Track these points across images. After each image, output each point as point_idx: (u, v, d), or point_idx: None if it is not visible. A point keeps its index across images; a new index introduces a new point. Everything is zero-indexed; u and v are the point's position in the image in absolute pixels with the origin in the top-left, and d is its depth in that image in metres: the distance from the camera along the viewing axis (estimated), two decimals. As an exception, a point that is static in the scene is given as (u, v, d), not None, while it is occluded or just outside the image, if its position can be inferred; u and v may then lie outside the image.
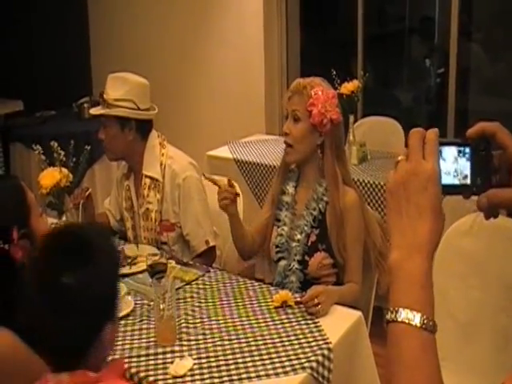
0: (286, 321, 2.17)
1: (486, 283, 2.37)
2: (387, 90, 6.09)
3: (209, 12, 5.35)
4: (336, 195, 2.41)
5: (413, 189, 0.88)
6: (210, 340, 2.07)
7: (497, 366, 2.30)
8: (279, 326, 2.14)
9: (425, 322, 0.83)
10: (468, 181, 0.95)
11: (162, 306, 2.05)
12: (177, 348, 2.03)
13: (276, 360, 1.94)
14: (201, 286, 2.46)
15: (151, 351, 2.02)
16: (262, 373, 1.89)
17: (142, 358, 1.98)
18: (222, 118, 5.42)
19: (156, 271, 2.32)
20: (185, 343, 2.06)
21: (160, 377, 1.89)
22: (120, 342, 2.06)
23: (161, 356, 1.99)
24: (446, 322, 2.30)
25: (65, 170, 2.70)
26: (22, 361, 1.50)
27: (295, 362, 1.93)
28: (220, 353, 2.00)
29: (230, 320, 2.20)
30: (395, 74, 6.27)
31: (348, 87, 4.00)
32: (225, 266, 3.00)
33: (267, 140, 4.74)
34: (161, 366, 1.94)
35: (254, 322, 2.18)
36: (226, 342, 2.05)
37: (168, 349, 2.03)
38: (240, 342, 2.05)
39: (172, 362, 1.94)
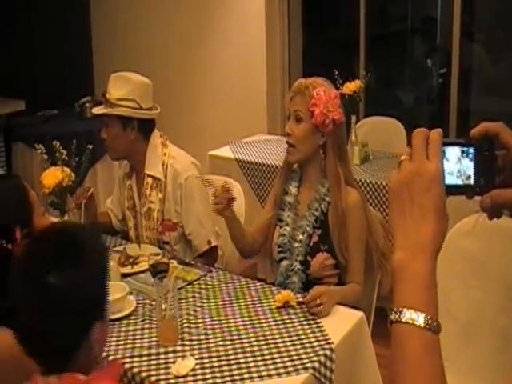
0: (287, 321, 2.17)
1: (487, 284, 2.37)
2: (389, 90, 6.09)
3: (211, 12, 5.35)
4: (338, 195, 2.41)
5: (416, 189, 0.88)
6: (211, 340, 2.07)
7: (497, 367, 2.30)
8: (281, 326, 2.14)
9: (429, 322, 0.83)
10: (471, 181, 0.94)
11: (163, 306, 2.05)
12: (179, 348, 2.03)
13: (278, 360, 1.94)
14: (203, 286, 2.46)
15: (153, 351, 2.02)
16: (264, 373, 1.88)
17: (144, 358, 1.98)
18: (224, 117, 5.42)
19: (158, 271, 2.33)
20: (187, 343, 2.06)
21: (162, 377, 1.89)
22: (122, 342, 2.07)
23: (163, 356, 1.99)
24: (447, 323, 2.29)
25: (67, 170, 2.70)
26: (21, 360, 1.49)
27: (297, 362, 1.93)
28: (222, 353, 2.00)
29: (231, 320, 2.20)
30: (397, 74, 6.27)
31: (350, 87, 4.00)
32: (227, 266, 3.00)
33: (269, 140, 4.74)
34: (163, 366, 1.94)
35: (255, 322, 2.17)
36: (228, 342, 2.05)
37: (170, 349, 2.02)
38: (242, 342, 2.05)
39: (174, 362, 1.94)
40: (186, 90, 5.62)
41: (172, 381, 1.87)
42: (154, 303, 2.25)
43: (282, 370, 1.89)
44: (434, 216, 0.88)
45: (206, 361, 1.96)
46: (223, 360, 1.96)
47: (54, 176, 2.68)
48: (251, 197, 4.08)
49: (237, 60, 5.29)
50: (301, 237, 2.46)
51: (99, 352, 1.41)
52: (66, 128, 4.89)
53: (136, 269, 2.59)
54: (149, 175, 2.84)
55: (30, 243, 1.44)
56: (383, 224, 2.62)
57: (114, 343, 2.06)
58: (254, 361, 1.94)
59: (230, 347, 2.03)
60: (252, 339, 2.07)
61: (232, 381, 1.86)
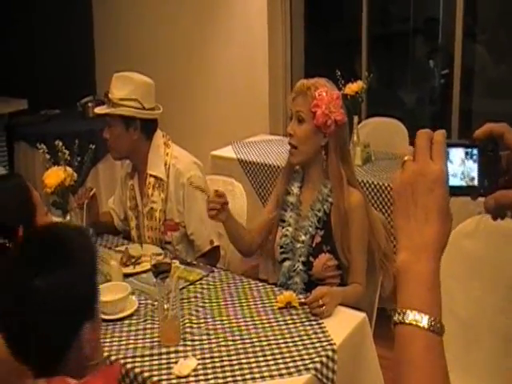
0: (290, 322, 2.17)
1: (489, 285, 2.37)
2: (391, 91, 6.09)
3: (213, 12, 5.35)
4: (341, 196, 2.41)
5: (420, 190, 0.88)
6: (213, 340, 2.07)
7: (499, 369, 2.30)
8: (283, 327, 2.13)
9: (432, 323, 0.83)
10: (475, 182, 0.94)
11: (165, 306, 2.05)
12: (181, 348, 2.03)
13: (280, 361, 1.94)
14: (205, 286, 2.46)
15: (155, 351, 2.02)
16: (266, 373, 1.88)
17: (146, 358, 1.98)
18: (226, 117, 5.43)
19: (160, 271, 2.33)
20: (189, 343, 2.06)
21: (164, 377, 1.89)
22: (124, 342, 2.07)
23: (165, 356, 1.99)
24: (448, 324, 2.29)
25: (69, 169, 2.71)
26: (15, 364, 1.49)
27: (299, 363, 1.92)
28: (224, 353, 2.00)
29: (234, 320, 2.19)
30: (399, 75, 6.27)
31: (352, 88, 4.00)
32: (228, 266, 3.00)
33: (271, 140, 4.74)
34: (165, 366, 1.94)
35: (258, 322, 2.17)
36: (230, 343, 2.05)
37: (172, 349, 2.02)
38: (244, 343, 2.05)
39: (176, 362, 1.94)
40: (188, 90, 5.62)
41: (174, 381, 1.87)
42: (156, 303, 2.25)
43: (283, 371, 1.89)
44: (438, 217, 0.88)
45: (207, 361, 1.95)
46: (225, 360, 1.96)
47: (56, 176, 2.68)
48: (253, 197, 4.09)
49: (239, 60, 5.29)
50: (303, 237, 2.46)
51: (90, 352, 1.39)
52: (68, 127, 4.90)
53: (138, 269, 2.59)
54: (151, 175, 2.84)
55: (16, 246, 1.43)
56: (385, 225, 2.61)
57: (116, 343, 2.06)
58: (256, 361, 1.94)
59: (231, 347, 2.03)
60: (254, 340, 2.06)
61: (234, 381, 1.86)
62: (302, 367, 1.90)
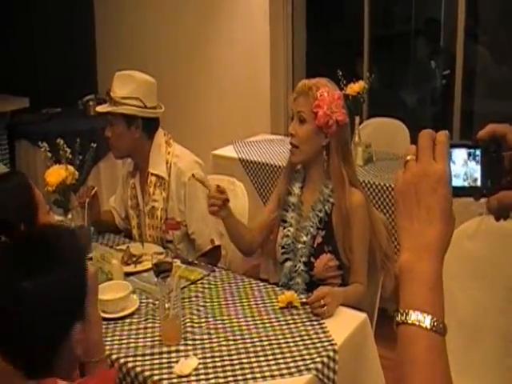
0: (291, 321, 2.17)
1: (489, 286, 2.37)
2: (393, 92, 6.09)
3: (216, 12, 5.35)
4: (342, 196, 2.40)
5: (423, 190, 0.88)
6: (214, 339, 2.07)
7: (499, 369, 2.30)
8: (284, 327, 2.13)
9: (435, 324, 0.83)
10: (478, 183, 0.94)
11: (167, 305, 2.05)
12: (182, 347, 2.03)
13: (281, 361, 1.94)
14: (206, 286, 2.46)
15: (156, 350, 2.02)
16: (267, 374, 1.88)
17: (147, 357, 1.98)
18: (228, 117, 5.43)
19: (161, 270, 2.32)
20: (190, 342, 2.06)
21: (165, 376, 1.89)
22: (125, 341, 2.07)
23: (166, 355, 1.99)
24: (448, 324, 2.29)
25: (71, 168, 2.71)
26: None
27: (300, 362, 1.92)
28: (225, 352, 2.00)
29: (234, 320, 2.19)
30: (401, 76, 6.27)
31: (354, 88, 4.00)
32: (229, 266, 3.00)
33: (272, 140, 4.74)
34: (166, 366, 1.94)
35: (259, 322, 2.17)
36: (231, 342, 2.05)
37: (173, 348, 2.02)
38: (245, 342, 2.05)
39: (177, 362, 1.94)
40: (189, 90, 5.62)
41: (175, 380, 1.87)
42: (157, 302, 2.25)
43: (284, 371, 1.89)
44: (441, 217, 0.88)
45: (208, 360, 1.95)
46: (226, 360, 1.96)
47: (57, 174, 2.68)
48: (254, 196, 4.09)
49: (241, 60, 5.29)
50: (304, 238, 2.45)
51: (81, 353, 1.39)
52: (69, 126, 4.91)
53: (139, 268, 2.59)
54: (152, 174, 2.84)
55: (4, 249, 1.42)
56: (386, 225, 2.61)
57: (116, 342, 2.06)
58: (257, 361, 1.94)
59: (232, 347, 2.03)
60: (255, 339, 2.06)
61: (235, 381, 1.86)
62: (303, 367, 1.90)
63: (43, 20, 5.49)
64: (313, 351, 1.98)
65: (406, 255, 0.88)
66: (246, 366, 1.92)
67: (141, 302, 2.31)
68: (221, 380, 1.86)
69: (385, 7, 6.14)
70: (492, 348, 2.33)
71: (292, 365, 1.92)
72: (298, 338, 2.06)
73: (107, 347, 1.99)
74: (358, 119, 4.15)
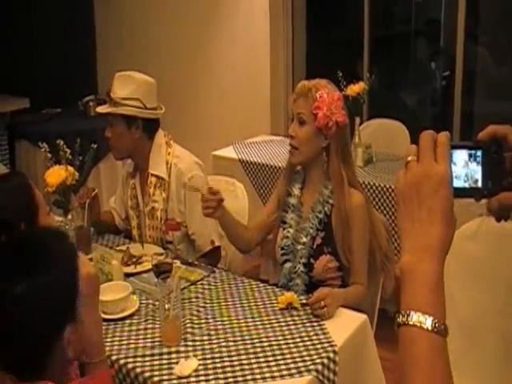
0: (291, 322, 2.17)
1: (490, 287, 2.37)
2: (393, 93, 6.09)
3: (216, 12, 5.35)
4: (342, 197, 2.40)
5: (425, 191, 0.88)
6: (215, 340, 2.07)
7: (498, 370, 2.30)
8: (284, 328, 2.13)
9: (436, 325, 0.83)
10: (479, 184, 0.94)
11: (167, 306, 2.05)
12: (182, 348, 2.03)
13: (281, 362, 1.94)
14: (206, 287, 2.45)
15: (156, 351, 2.01)
16: (267, 375, 1.88)
17: (147, 358, 1.98)
18: (228, 117, 5.43)
19: (161, 271, 2.32)
20: (190, 343, 2.05)
21: (165, 377, 1.88)
22: (125, 342, 2.07)
23: (166, 356, 1.99)
24: (448, 325, 2.29)
25: (71, 169, 2.71)
26: None
27: (300, 364, 1.92)
28: (225, 353, 1.99)
29: (235, 321, 2.19)
30: (401, 77, 6.27)
31: (354, 89, 3.99)
32: (230, 267, 3.00)
33: (272, 141, 4.74)
34: (166, 367, 1.93)
35: (259, 323, 2.17)
36: (231, 343, 2.05)
37: (173, 349, 2.02)
38: (245, 343, 2.05)
39: (177, 363, 1.94)
40: (189, 91, 5.62)
41: (175, 381, 1.87)
42: (157, 303, 2.25)
43: (284, 372, 1.89)
44: (442, 219, 0.88)
45: (209, 361, 1.95)
46: (226, 361, 1.95)
47: (57, 175, 2.68)
48: (254, 197, 4.09)
49: (241, 61, 5.29)
50: (304, 239, 2.45)
51: (73, 355, 1.38)
52: (69, 126, 4.91)
53: (139, 268, 2.58)
54: (152, 174, 2.84)
55: None
56: (386, 226, 2.61)
57: (116, 343, 2.06)
58: (257, 362, 1.94)
59: (233, 348, 2.02)
60: (255, 340, 2.06)
61: (235, 382, 1.86)
62: (303, 368, 1.90)
63: (43, 20, 5.49)
64: (313, 352, 1.98)
65: (407, 256, 0.88)
66: (246, 367, 1.92)
67: (141, 303, 2.31)
68: (221, 381, 1.86)
69: (385, 8, 6.14)
70: (491, 349, 2.33)
71: (292, 366, 1.91)
72: (298, 339, 2.06)
73: (107, 348, 1.99)
74: (358, 120, 4.15)
